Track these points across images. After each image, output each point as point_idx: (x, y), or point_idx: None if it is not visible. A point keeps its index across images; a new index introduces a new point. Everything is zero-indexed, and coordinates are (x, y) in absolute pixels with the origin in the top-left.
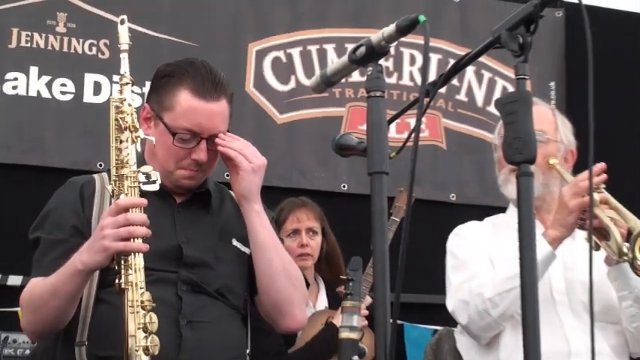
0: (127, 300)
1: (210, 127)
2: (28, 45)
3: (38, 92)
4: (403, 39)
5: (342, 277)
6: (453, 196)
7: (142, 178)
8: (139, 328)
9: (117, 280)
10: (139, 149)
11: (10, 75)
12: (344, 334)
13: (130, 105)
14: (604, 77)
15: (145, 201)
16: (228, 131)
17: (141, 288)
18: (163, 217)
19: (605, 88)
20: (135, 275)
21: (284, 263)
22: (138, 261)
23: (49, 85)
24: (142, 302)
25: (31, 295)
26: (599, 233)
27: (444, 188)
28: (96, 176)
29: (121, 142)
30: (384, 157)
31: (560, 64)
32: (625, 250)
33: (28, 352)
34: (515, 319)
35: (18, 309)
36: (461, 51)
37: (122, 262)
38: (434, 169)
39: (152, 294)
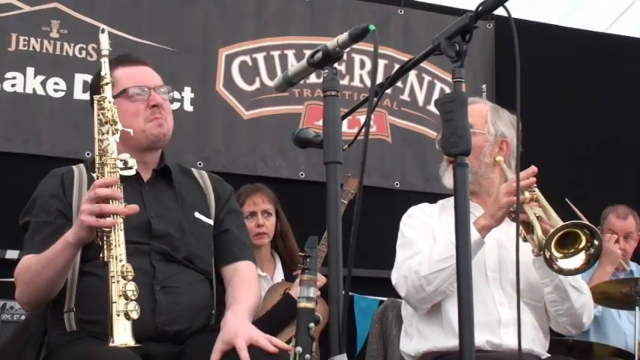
0: (110, 271)
1: (149, 80)
2: (25, 48)
3: (34, 90)
4: (354, 46)
5: (300, 253)
6: (397, 184)
7: (119, 164)
8: (120, 296)
9: (100, 255)
10: (117, 141)
11: (9, 74)
12: (302, 304)
13: (110, 102)
14: (528, 81)
15: (115, 179)
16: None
17: (121, 260)
18: (133, 196)
19: (528, 91)
20: (115, 250)
21: (254, 308)
22: (119, 236)
23: (43, 83)
24: (123, 273)
25: (26, 269)
26: (526, 227)
27: (389, 177)
28: (74, 167)
29: (102, 134)
30: (338, 148)
31: (490, 69)
32: (543, 243)
33: (22, 317)
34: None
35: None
36: (404, 57)
37: (104, 238)
38: (380, 160)
39: (134, 265)
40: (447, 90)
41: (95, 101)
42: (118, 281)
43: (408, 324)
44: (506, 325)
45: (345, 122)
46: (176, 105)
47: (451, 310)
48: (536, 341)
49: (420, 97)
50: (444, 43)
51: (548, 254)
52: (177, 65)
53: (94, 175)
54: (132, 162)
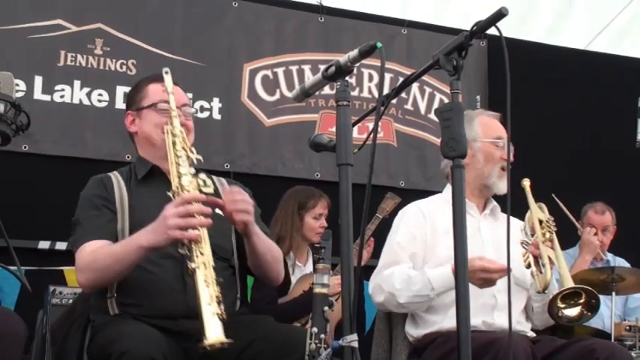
0: (201, 275)
1: (177, 99)
2: (73, 64)
3: (80, 100)
4: (363, 61)
5: (315, 244)
6: (401, 183)
7: (201, 182)
8: (212, 299)
9: (189, 264)
10: (195, 162)
11: (58, 87)
12: (317, 290)
13: (180, 132)
14: (517, 91)
15: (203, 197)
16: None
17: (208, 267)
18: (162, 194)
19: (517, 101)
20: (204, 257)
21: (271, 252)
22: (207, 244)
23: (88, 95)
24: (215, 279)
25: (95, 259)
26: (536, 261)
27: (395, 177)
28: (110, 174)
29: (178, 157)
30: (349, 152)
31: (483, 82)
32: (549, 288)
33: (70, 301)
34: None
35: (63, 268)
36: (407, 71)
37: (192, 245)
38: (387, 162)
39: (165, 251)
40: (446, 100)
41: (167, 131)
42: (208, 286)
43: None
44: (501, 309)
45: (355, 129)
46: (205, 114)
47: (449, 296)
48: (522, 324)
49: (422, 107)
50: (443, 58)
51: (555, 308)
52: (206, 78)
53: (169, 193)
54: (209, 182)
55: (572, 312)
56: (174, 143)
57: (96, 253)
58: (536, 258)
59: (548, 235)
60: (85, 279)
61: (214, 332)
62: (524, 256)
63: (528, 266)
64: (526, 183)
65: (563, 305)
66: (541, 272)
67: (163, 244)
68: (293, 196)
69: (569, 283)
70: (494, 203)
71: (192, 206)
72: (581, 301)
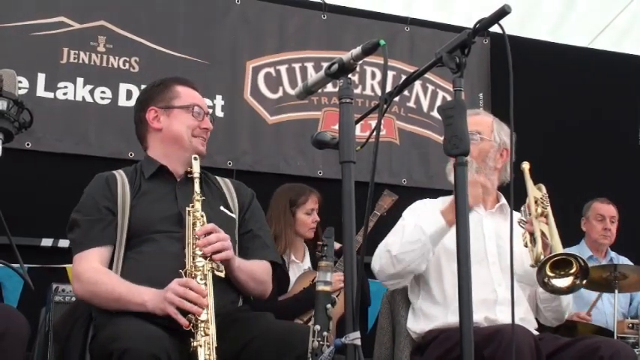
0: (202, 355)
1: (205, 107)
2: (76, 61)
3: (83, 98)
4: (366, 59)
5: (318, 242)
6: (404, 181)
7: (215, 266)
8: None
9: (192, 341)
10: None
11: (61, 84)
12: (320, 287)
13: (202, 216)
14: (519, 88)
15: (205, 292)
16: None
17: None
18: (168, 192)
19: (518, 98)
20: (207, 337)
21: (254, 277)
22: (211, 327)
23: (91, 92)
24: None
25: (96, 283)
26: (530, 236)
27: (397, 175)
28: (115, 172)
29: (196, 238)
30: (352, 149)
31: (486, 79)
32: (541, 258)
33: (73, 299)
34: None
35: (66, 265)
36: (410, 69)
37: (198, 326)
38: (390, 160)
39: (164, 249)
40: (448, 98)
41: (188, 212)
42: None
43: (414, 305)
44: (502, 304)
45: (358, 126)
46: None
47: (451, 290)
48: (525, 320)
49: (425, 104)
50: (446, 56)
51: (542, 272)
52: (209, 76)
53: (182, 271)
54: (222, 267)
55: (563, 283)
56: (194, 224)
57: (99, 278)
58: (532, 235)
59: (541, 210)
60: (81, 291)
61: None
62: (523, 235)
63: (526, 245)
64: (525, 166)
65: (552, 274)
66: (534, 245)
67: (159, 313)
68: (283, 194)
69: (559, 246)
70: (504, 202)
71: (191, 294)
72: (572, 271)
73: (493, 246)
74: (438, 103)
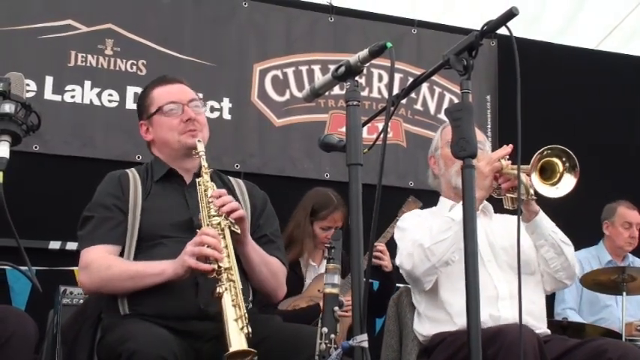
0: (229, 299)
1: (182, 96)
2: (83, 64)
3: (91, 101)
4: (373, 61)
5: (325, 245)
6: (411, 183)
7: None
8: (239, 318)
9: (217, 287)
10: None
11: (69, 87)
12: (327, 290)
13: (212, 184)
14: (526, 91)
15: (217, 236)
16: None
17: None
18: (177, 197)
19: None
20: (232, 283)
21: (268, 266)
22: (235, 274)
23: (99, 95)
24: (240, 300)
25: (107, 267)
26: (513, 191)
27: (404, 177)
28: (128, 171)
29: (209, 203)
30: (359, 152)
31: (493, 82)
32: (529, 184)
33: (81, 301)
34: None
35: (74, 268)
36: (417, 71)
37: (222, 273)
38: (397, 163)
39: (175, 254)
40: (456, 100)
41: (198, 182)
42: (235, 306)
43: (418, 309)
44: (504, 299)
45: (365, 129)
46: (216, 114)
47: (452, 299)
48: (530, 314)
49: (432, 107)
50: (453, 58)
51: (532, 190)
52: (216, 79)
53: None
54: (236, 227)
55: (567, 184)
56: (205, 191)
57: (111, 261)
58: (512, 188)
59: (504, 162)
60: (89, 280)
61: (237, 344)
62: (504, 191)
63: (521, 212)
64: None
65: (547, 183)
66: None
67: (182, 273)
68: (310, 199)
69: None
70: (486, 203)
71: (209, 239)
72: (561, 169)
73: (485, 245)
74: (445, 105)
